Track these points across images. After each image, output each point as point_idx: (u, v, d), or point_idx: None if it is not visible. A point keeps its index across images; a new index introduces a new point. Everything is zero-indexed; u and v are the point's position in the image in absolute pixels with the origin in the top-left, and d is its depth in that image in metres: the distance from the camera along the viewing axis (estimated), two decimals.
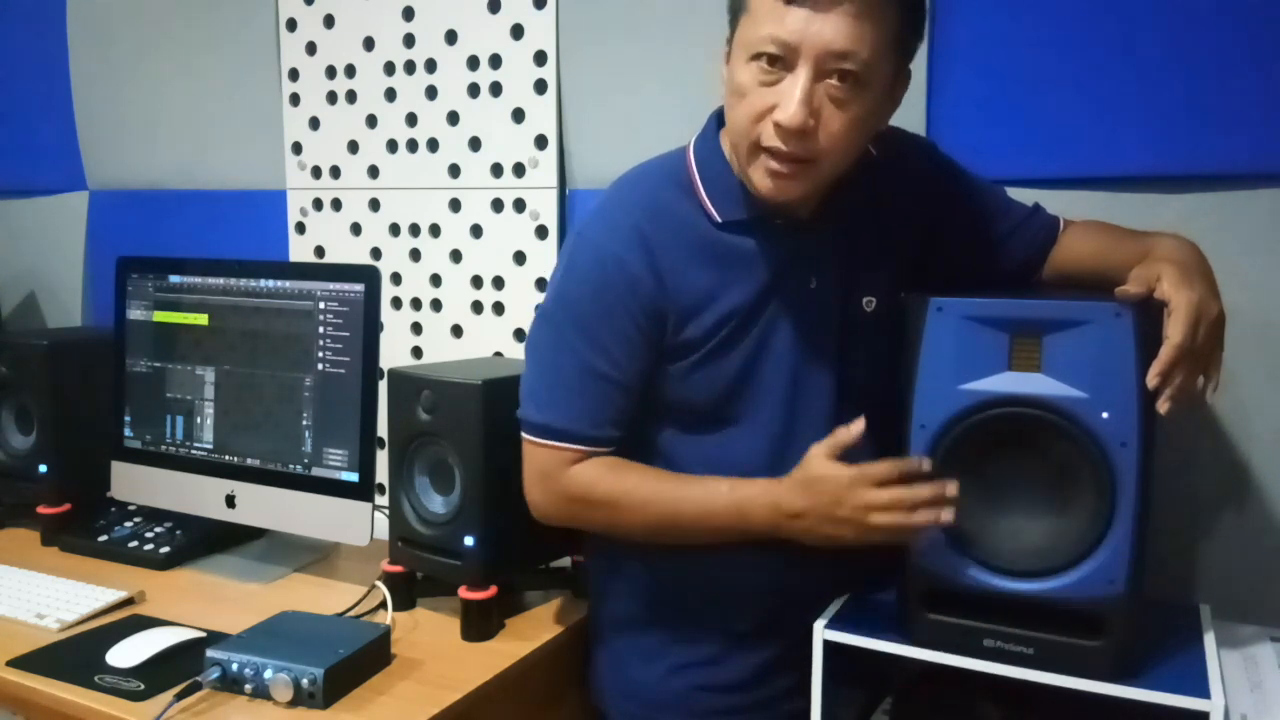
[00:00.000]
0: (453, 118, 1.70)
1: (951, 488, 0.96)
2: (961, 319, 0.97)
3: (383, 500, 1.45)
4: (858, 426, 1.01)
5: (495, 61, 1.65)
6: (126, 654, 1.20)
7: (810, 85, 0.97)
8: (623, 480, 1.12)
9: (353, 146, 1.80)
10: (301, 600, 1.40)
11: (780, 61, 0.98)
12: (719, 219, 1.10)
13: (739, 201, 1.10)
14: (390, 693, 1.15)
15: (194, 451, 1.60)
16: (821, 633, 1.05)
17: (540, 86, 1.61)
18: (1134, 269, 0.98)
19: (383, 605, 1.36)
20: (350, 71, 1.79)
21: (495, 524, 1.29)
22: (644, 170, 1.17)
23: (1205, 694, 0.91)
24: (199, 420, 1.60)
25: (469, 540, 1.28)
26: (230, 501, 1.56)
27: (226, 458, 1.57)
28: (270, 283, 1.52)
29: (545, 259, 1.64)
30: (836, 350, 1.14)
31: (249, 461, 1.55)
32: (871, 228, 1.15)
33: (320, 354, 1.47)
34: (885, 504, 0.98)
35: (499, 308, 1.70)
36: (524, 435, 1.16)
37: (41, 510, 1.68)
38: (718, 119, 1.14)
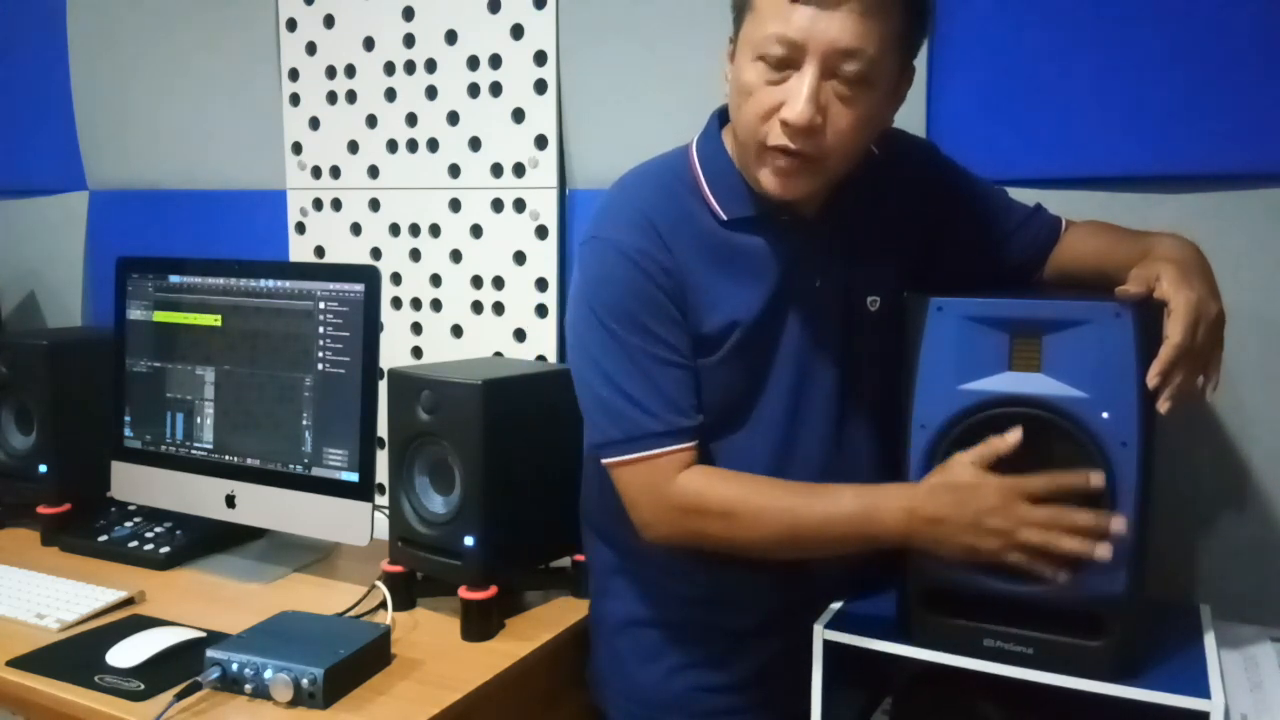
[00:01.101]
0: (453, 118, 1.70)
1: (1118, 523, 0.91)
2: (961, 319, 0.97)
3: (383, 500, 1.45)
4: (1014, 436, 0.94)
5: (495, 61, 1.65)
6: (126, 654, 1.20)
7: (817, 83, 0.97)
8: (734, 488, 1.06)
9: (353, 146, 1.80)
10: (301, 600, 1.40)
11: (787, 60, 0.97)
12: (724, 217, 1.10)
13: (744, 199, 1.10)
14: (390, 693, 1.15)
15: (194, 451, 1.60)
16: (821, 633, 1.05)
17: (540, 86, 1.61)
18: (1134, 269, 0.97)
19: (383, 605, 1.36)
20: (350, 71, 1.79)
21: (495, 524, 1.29)
22: (647, 169, 1.16)
23: (1205, 694, 0.91)
24: (199, 420, 1.60)
25: (469, 540, 1.28)
26: (230, 501, 1.56)
27: (226, 458, 1.57)
28: (270, 283, 1.52)
29: (545, 259, 1.64)
30: (841, 349, 1.14)
31: (249, 461, 1.55)
32: (874, 227, 1.15)
33: (320, 354, 1.47)
34: (1041, 521, 0.92)
35: (499, 308, 1.70)
36: (612, 461, 1.09)
37: (41, 510, 1.68)
38: (719, 117, 1.14)
